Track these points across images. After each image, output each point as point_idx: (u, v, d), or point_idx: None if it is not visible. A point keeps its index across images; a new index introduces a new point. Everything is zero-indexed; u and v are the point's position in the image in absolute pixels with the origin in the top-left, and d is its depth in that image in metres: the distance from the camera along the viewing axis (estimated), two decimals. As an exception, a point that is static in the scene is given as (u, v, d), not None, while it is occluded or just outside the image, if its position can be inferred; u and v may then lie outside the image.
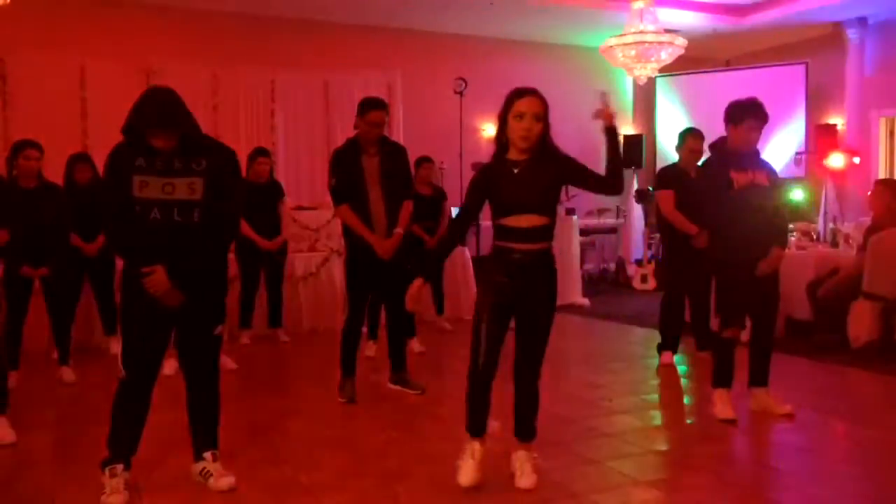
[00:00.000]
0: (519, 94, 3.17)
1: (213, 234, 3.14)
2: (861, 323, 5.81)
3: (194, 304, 3.13)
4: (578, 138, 11.47)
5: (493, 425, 3.32)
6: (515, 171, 3.16)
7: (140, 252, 3.04)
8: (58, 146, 5.98)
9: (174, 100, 3.06)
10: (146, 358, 3.11)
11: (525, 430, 3.30)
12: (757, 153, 4.23)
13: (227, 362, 5.53)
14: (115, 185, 3.03)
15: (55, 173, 5.53)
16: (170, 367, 4.29)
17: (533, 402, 3.27)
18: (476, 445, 3.23)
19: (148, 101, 3.02)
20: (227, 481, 3.21)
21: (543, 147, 3.18)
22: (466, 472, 3.19)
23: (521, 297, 3.18)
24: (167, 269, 3.02)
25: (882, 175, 9.61)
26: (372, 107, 4.58)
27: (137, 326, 3.08)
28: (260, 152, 6.55)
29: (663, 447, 3.91)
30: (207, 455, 3.26)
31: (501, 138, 3.22)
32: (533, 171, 3.15)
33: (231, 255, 6.37)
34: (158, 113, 2.99)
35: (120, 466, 3.10)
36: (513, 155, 3.20)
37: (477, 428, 3.23)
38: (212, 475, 3.22)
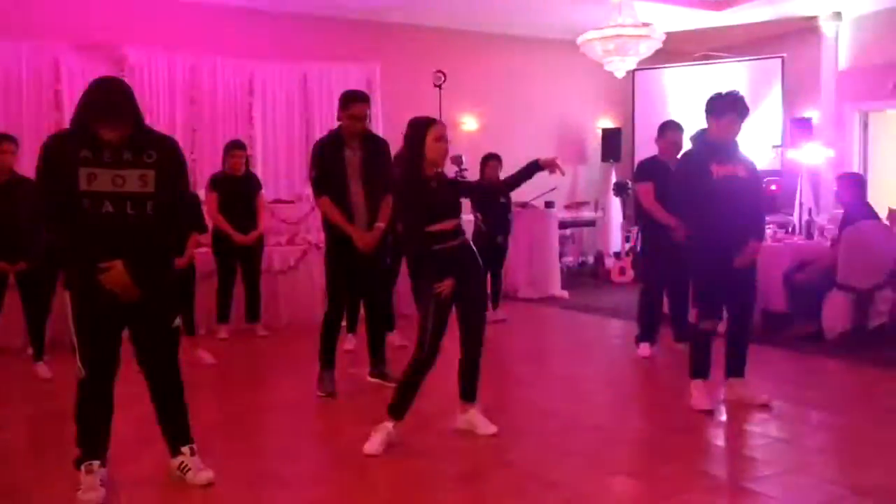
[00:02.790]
0: (433, 120, 3.67)
1: (166, 226, 3.08)
2: (836, 314, 5.88)
3: (149, 298, 3.05)
4: (559, 129, 11.52)
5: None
6: (434, 185, 3.63)
7: (94, 247, 2.94)
8: (32, 139, 5.91)
9: (125, 90, 3.01)
10: (103, 355, 3.04)
11: (473, 392, 3.85)
12: (736, 146, 4.26)
13: (205, 357, 5.51)
14: (57, 178, 2.91)
15: (28, 167, 5.45)
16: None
17: (479, 368, 3.84)
18: (392, 427, 3.58)
19: (98, 92, 2.95)
20: (205, 475, 3.19)
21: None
22: (376, 443, 3.51)
23: (464, 286, 3.63)
24: (124, 264, 2.94)
25: (856, 168, 9.72)
26: (355, 100, 4.55)
27: (91, 325, 3.00)
28: (235, 145, 6.50)
29: (640, 438, 3.95)
30: (185, 450, 3.23)
31: (416, 157, 3.60)
32: (443, 184, 3.70)
33: (207, 249, 6.37)
34: (111, 105, 2.93)
35: (96, 463, 3.07)
36: (428, 171, 3.63)
37: (403, 412, 3.62)
38: (190, 469, 3.20)
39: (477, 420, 3.83)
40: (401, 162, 3.75)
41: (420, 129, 3.58)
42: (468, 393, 3.86)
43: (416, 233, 3.58)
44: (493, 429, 3.79)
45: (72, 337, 3.03)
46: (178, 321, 3.24)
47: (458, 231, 3.70)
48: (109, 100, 2.93)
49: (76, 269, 3.02)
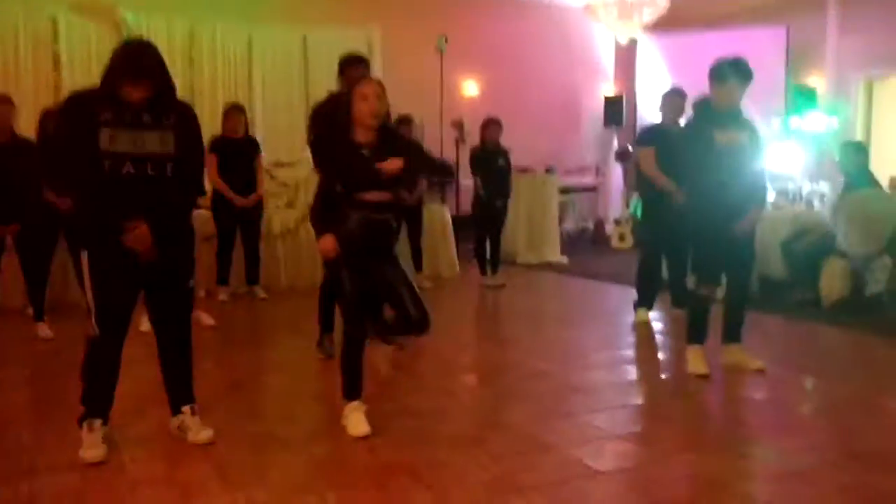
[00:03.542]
0: (363, 77, 3.41)
1: (184, 188, 3.12)
2: (833, 281, 5.91)
3: (167, 258, 3.08)
4: (561, 95, 11.43)
5: None
6: (364, 152, 3.29)
7: (116, 208, 2.95)
8: (30, 100, 5.88)
9: (154, 52, 3.01)
10: (119, 315, 3.06)
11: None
12: (740, 112, 4.23)
13: (205, 319, 5.53)
14: (80, 137, 2.92)
15: (27, 127, 5.43)
16: (146, 323, 4.27)
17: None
18: (360, 405, 3.38)
19: (128, 52, 2.97)
20: (205, 434, 3.23)
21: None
22: (360, 424, 3.31)
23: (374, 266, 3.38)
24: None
25: (860, 137, 9.68)
26: (352, 63, 4.50)
27: (109, 285, 3.01)
28: (234, 107, 6.48)
29: (637, 401, 3.99)
30: (185, 409, 3.27)
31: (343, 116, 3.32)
32: (379, 150, 3.31)
33: (206, 212, 6.37)
34: (139, 65, 2.94)
35: (98, 421, 3.10)
36: (357, 134, 3.31)
37: (359, 391, 3.40)
38: (190, 429, 3.24)
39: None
40: (320, 119, 3.47)
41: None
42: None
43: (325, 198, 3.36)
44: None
45: (88, 296, 3.04)
46: (192, 282, 3.26)
47: (383, 206, 3.32)
48: (137, 58, 2.95)
49: (96, 229, 3.02)
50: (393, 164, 3.27)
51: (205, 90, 8.64)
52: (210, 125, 6.88)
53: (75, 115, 2.98)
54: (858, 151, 6.12)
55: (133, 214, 2.96)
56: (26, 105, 5.49)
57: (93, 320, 3.04)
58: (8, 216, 5.01)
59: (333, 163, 3.37)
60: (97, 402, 3.12)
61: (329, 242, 3.29)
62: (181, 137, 3.05)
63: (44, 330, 5.23)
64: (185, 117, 3.12)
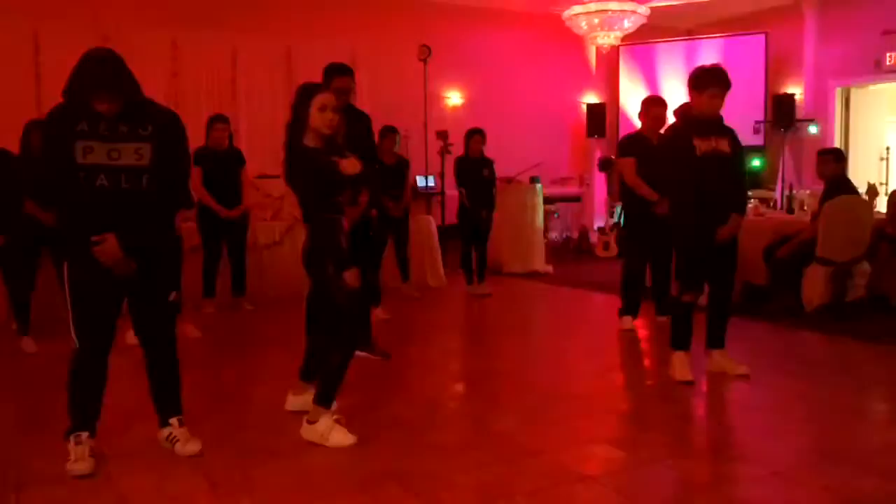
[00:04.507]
0: (320, 87, 3.48)
1: (162, 200, 3.08)
2: (814, 287, 5.98)
3: (146, 272, 3.08)
4: (543, 104, 11.50)
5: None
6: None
7: (88, 220, 2.94)
8: (11, 113, 5.85)
9: (118, 62, 2.96)
10: (99, 328, 3.05)
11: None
12: (720, 120, 4.28)
13: (191, 331, 5.52)
14: (57, 151, 2.91)
15: (7, 140, 5.40)
16: (132, 336, 4.26)
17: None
18: (334, 414, 3.39)
19: (91, 63, 2.92)
20: (193, 446, 3.22)
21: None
22: (345, 436, 3.32)
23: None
24: (118, 238, 2.95)
25: (838, 143, 9.82)
26: (338, 73, 4.53)
27: (87, 296, 3.01)
28: (218, 119, 6.47)
29: (624, 407, 4.02)
30: (173, 421, 3.27)
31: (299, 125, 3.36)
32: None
33: (192, 224, 6.36)
34: (104, 76, 2.89)
35: (85, 434, 3.09)
36: (311, 142, 3.36)
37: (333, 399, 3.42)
38: (178, 440, 3.23)
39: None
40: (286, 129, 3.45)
41: (305, 95, 3.37)
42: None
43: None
44: None
45: (67, 308, 3.04)
46: (174, 294, 3.26)
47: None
48: (100, 71, 2.90)
49: (72, 242, 3.02)
50: (353, 164, 3.31)
51: (188, 102, 8.63)
52: (194, 137, 6.90)
53: (54, 128, 2.97)
54: (837, 159, 6.20)
55: (105, 228, 2.93)
56: (6, 118, 5.47)
57: (73, 332, 3.04)
58: (-9, 230, 4.97)
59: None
60: (83, 414, 3.10)
61: (355, 275, 3.36)
62: (160, 149, 3.01)
63: (29, 345, 5.20)
64: (166, 127, 3.07)
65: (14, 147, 5.44)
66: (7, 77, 7.63)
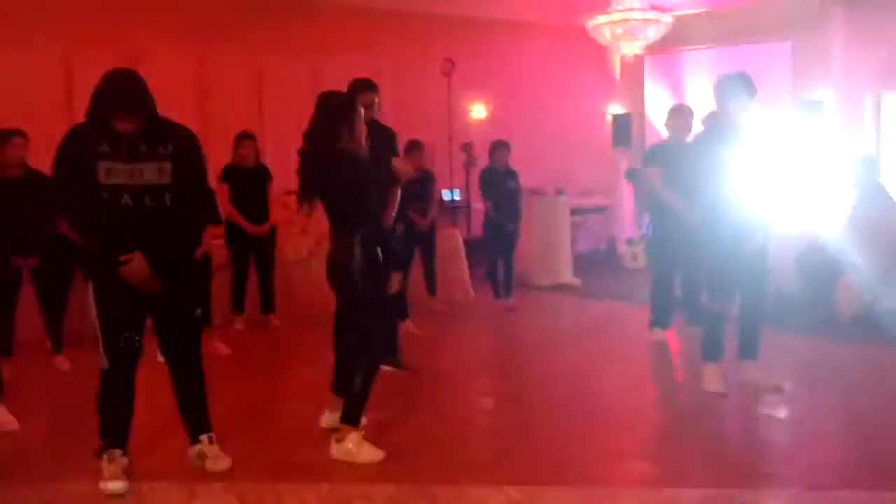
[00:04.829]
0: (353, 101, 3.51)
1: (186, 217, 3.12)
2: (848, 296, 5.87)
3: (172, 288, 3.10)
4: (568, 115, 11.46)
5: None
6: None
7: (114, 240, 2.97)
8: (44, 135, 5.94)
9: (138, 82, 3.01)
10: (126, 346, 3.08)
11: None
12: (747, 127, 4.24)
13: (220, 347, 5.55)
14: (79, 171, 2.94)
15: (42, 163, 5.49)
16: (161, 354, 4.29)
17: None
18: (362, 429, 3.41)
19: (112, 83, 2.97)
20: (223, 463, 3.24)
21: None
22: (373, 451, 3.33)
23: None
24: (145, 256, 2.98)
25: (870, 150, 9.65)
26: (362, 88, 4.56)
27: (114, 315, 3.04)
28: (244, 136, 6.53)
29: (655, 421, 3.97)
30: (203, 438, 3.28)
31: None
32: None
33: (220, 241, 6.41)
34: (125, 95, 2.94)
35: (118, 452, 3.12)
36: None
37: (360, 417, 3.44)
38: (208, 457, 3.24)
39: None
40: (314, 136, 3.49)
41: (341, 105, 3.44)
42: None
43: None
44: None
45: (95, 327, 3.07)
46: (199, 311, 3.28)
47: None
48: (122, 91, 2.95)
49: (98, 261, 3.05)
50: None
51: (216, 122, 8.72)
52: (222, 155, 7.02)
53: (74, 148, 3.00)
54: (869, 165, 6.11)
55: (131, 246, 2.97)
56: (40, 142, 5.56)
57: (101, 351, 3.06)
58: (25, 249, 5.05)
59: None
60: (114, 433, 3.13)
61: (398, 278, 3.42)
62: (180, 167, 3.05)
63: (62, 362, 5.26)
64: (185, 146, 3.10)
65: (47, 169, 5.54)
66: (40, 100, 7.77)
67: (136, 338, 3.11)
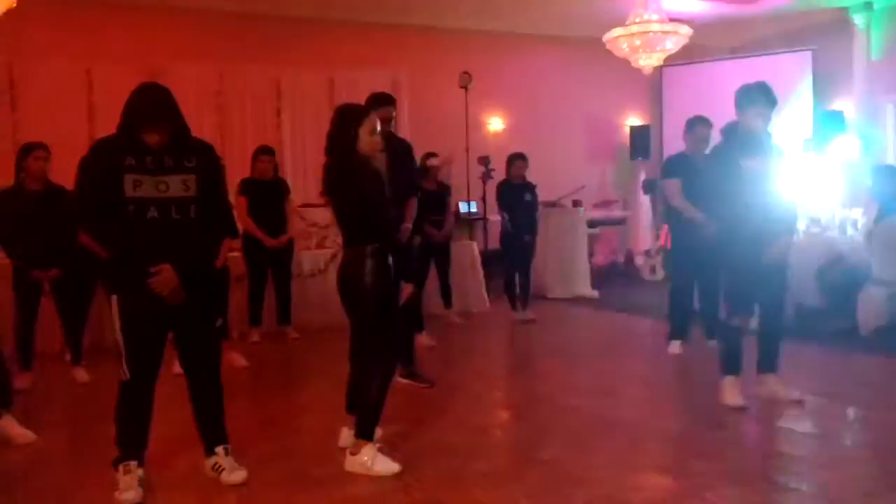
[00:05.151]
0: (367, 111, 3.44)
1: (210, 229, 3.18)
2: (870, 309, 5.80)
3: (195, 300, 3.13)
4: (586, 128, 11.47)
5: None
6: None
7: (141, 252, 3.01)
8: (66, 150, 6.02)
9: (168, 96, 3.09)
10: (149, 359, 3.11)
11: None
12: (768, 137, 4.21)
13: (237, 359, 5.57)
14: (105, 184, 2.99)
15: (63, 177, 5.56)
16: (178, 366, 4.31)
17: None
18: (377, 443, 3.39)
19: (143, 96, 3.05)
20: (239, 475, 3.24)
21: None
22: (391, 463, 3.31)
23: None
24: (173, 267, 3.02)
25: (890, 160, 9.55)
26: (379, 102, 4.58)
27: (138, 328, 3.06)
28: (263, 150, 6.58)
29: (673, 434, 3.92)
30: (219, 450, 3.29)
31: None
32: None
33: (238, 254, 6.45)
34: (155, 109, 3.02)
35: (133, 463, 3.13)
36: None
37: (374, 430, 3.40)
38: (224, 469, 3.25)
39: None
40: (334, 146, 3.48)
41: (353, 118, 3.38)
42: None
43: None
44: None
45: (118, 340, 3.09)
46: (220, 321, 3.30)
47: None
48: (152, 103, 3.03)
49: (123, 274, 3.08)
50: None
51: (234, 134, 8.82)
52: (240, 168, 7.10)
53: (100, 163, 3.04)
54: (891, 176, 6.04)
55: (158, 258, 3.01)
56: (62, 155, 5.62)
57: (123, 364, 3.08)
58: (46, 262, 5.11)
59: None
60: (131, 444, 3.15)
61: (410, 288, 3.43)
62: (203, 179, 3.11)
63: (81, 374, 5.30)
64: (207, 159, 3.17)
65: (69, 183, 5.60)
66: (62, 116, 7.89)
67: (159, 350, 3.14)
